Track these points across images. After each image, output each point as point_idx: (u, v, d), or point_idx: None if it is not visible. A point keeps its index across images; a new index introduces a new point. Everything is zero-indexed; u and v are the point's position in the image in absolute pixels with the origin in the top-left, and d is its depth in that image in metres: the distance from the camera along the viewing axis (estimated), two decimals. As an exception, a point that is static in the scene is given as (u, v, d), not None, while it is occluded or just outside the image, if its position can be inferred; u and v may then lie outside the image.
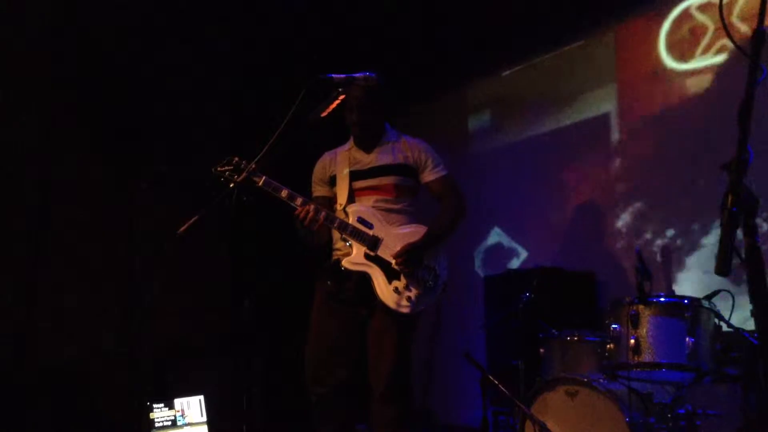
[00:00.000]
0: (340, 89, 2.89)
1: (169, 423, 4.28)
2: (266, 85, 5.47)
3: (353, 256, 3.05)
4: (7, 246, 4.46)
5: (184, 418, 4.35)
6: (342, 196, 3.17)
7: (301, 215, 2.97)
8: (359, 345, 3.11)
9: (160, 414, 4.25)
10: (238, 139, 5.34)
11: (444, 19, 5.65)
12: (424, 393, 3.31)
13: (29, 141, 4.65)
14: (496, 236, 5.71)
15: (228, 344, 5.01)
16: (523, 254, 5.48)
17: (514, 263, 5.48)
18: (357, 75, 2.93)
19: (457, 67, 6.02)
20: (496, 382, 3.45)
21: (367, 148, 3.25)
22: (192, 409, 4.40)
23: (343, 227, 3.05)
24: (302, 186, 3.27)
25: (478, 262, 5.81)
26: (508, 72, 5.83)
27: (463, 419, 5.26)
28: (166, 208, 4.70)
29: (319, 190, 3.32)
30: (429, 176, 3.23)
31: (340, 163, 3.26)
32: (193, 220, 2.72)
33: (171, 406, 4.32)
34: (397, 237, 3.06)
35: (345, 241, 3.09)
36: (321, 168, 3.34)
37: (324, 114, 2.89)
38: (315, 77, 2.77)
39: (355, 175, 3.19)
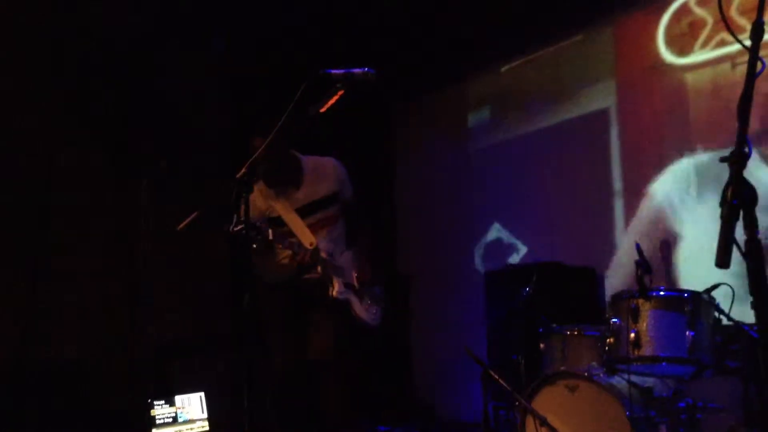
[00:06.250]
0: (338, 85, 2.87)
1: (170, 420, 4.28)
2: (265, 84, 5.46)
3: (337, 289, 3.25)
4: (8, 243, 4.46)
5: (185, 414, 4.35)
6: (306, 237, 3.25)
7: (304, 261, 3.16)
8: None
9: (160, 411, 4.25)
10: (239, 136, 5.33)
11: (443, 14, 5.63)
12: (429, 389, 3.47)
13: (31, 139, 4.64)
14: (496, 232, 5.71)
15: (228, 340, 5.01)
16: (523, 249, 5.48)
17: (514, 258, 5.48)
18: (355, 71, 2.91)
19: (456, 63, 6.01)
20: (497, 377, 3.45)
21: (295, 183, 3.33)
22: (193, 405, 4.41)
23: (337, 271, 3.25)
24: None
25: (478, 258, 5.81)
26: (507, 67, 5.83)
27: (464, 414, 5.27)
28: (166, 205, 4.69)
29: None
30: (348, 192, 3.45)
31: (273, 203, 3.31)
32: (192, 216, 2.72)
33: (172, 403, 4.32)
34: (349, 261, 3.30)
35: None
36: (257, 210, 3.29)
37: (323, 110, 2.88)
38: (314, 73, 2.75)
39: (302, 212, 3.31)
